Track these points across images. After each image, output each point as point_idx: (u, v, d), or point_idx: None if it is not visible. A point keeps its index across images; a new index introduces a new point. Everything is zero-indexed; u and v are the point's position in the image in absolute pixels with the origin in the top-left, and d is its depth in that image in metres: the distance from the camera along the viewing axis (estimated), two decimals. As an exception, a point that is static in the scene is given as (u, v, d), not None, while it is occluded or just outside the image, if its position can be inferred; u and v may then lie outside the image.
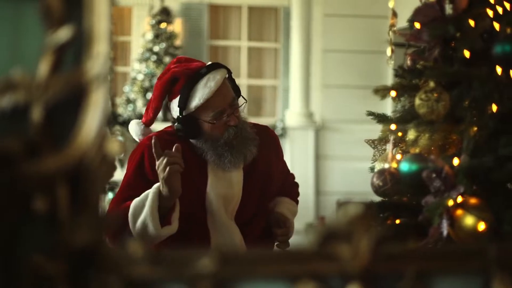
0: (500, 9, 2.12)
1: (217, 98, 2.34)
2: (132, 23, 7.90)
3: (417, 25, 2.17)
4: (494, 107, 2.04)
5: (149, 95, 7.10)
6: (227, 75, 2.42)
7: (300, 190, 2.80)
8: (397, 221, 2.17)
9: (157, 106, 2.42)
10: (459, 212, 1.90)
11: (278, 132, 7.12)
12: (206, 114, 2.35)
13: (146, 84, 7.34)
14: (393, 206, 2.18)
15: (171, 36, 7.53)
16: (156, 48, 7.44)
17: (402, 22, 2.39)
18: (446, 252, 1.19)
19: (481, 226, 1.88)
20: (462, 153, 2.01)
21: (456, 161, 1.99)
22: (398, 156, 2.20)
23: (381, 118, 2.33)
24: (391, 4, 2.39)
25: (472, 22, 2.09)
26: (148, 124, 2.44)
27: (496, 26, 2.11)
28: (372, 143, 2.38)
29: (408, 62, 2.29)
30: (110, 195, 4.39)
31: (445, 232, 1.89)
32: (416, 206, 2.06)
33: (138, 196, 2.25)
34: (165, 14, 7.52)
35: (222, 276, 1.08)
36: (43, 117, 1.04)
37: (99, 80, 1.04)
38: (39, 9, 1.05)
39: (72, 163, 1.04)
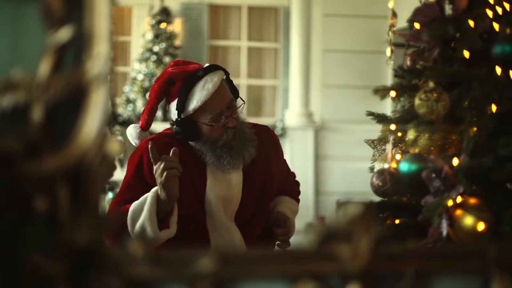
0: (499, 10, 2.12)
1: (215, 100, 2.34)
2: (132, 23, 7.90)
3: (417, 25, 2.17)
4: (494, 108, 2.04)
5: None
6: (224, 77, 2.42)
7: (300, 190, 2.80)
8: (397, 221, 2.17)
9: (153, 108, 2.42)
10: (458, 212, 1.90)
11: (277, 132, 7.12)
12: (204, 117, 2.35)
13: (146, 84, 7.34)
14: (393, 206, 2.19)
15: (171, 36, 7.53)
16: (156, 48, 7.44)
17: (401, 22, 2.39)
18: (445, 252, 1.20)
19: (481, 226, 1.88)
20: (461, 153, 2.01)
21: (455, 161, 1.99)
22: (398, 156, 2.20)
23: (381, 118, 2.33)
24: (390, 4, 2.39)
25: (471, 23, 2.09)
26: (145, 127, 2.44)
27: (496, 26, 2.11)
28: (372, 143, 2.38)
29: (408, 62, 2.30)
30: (110, 195, 4.39)
31: (444, 232, 1.89)
32: (415, 206, 2.06)
33: (138, 198, 2.26)
34: (165, 14, 7.52)
35: (222, 276, 1.09)
36: (43, 117, 1.04)
37: (99, 80, 1.04)
38: (40, 9, 1.05)
39: (72, 163, 1.04)
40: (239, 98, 2.47)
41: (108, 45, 1.05)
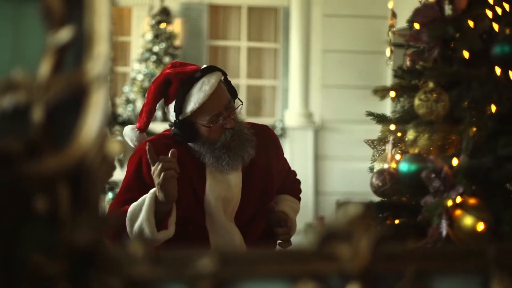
0: (499, 10, 2.13)
1: (213, 102, 2.35)
2: (132, 23, 7.90)
3: (417, 25, 2.18)
4: (493, 108, 2.04)
5: (149, 95, 7.07)
6: (222, 78, 2.42)
7: (301, 188, 2.79)
8: (396, 221, 2.17)
9: (151, 109, 2.42)
10: (458, 212, 1.91)
11: (277, 132, 7.12)
12: (202, 118, 2.35)
13: (146, 84, 7.33)
14: (392, 206, 2.19)
15: (170, 36, 7.53)
16: (155, 48, 7.44)
17: (401, 23, 2.40)
18: (445, 252, 1.20)
19: (480, 226, 1.88)
20: (461, 154, 2.01)
21: (455, 162, 1.99)
22: (397, 156, 2.20)
23: (381, 119, 2.33)
24: (390, 5, 2.39)
25: (471, 23, 2.09)
26: (142, 129, 2.44)
27: (495, 27, 2.11)
28: (372, 143, 2.38)
29: (408, 62, 2.30)
30: (110, 195, 4.39)
31: (444, 232, 1.89)
32: (415, 206, 2.06)
33: (138, 198, 2.26)
34: (164, 14, 7.51)
35: (222, 276, 1.09)
36: (44, 117, 1.04)
37: (99, 80, 1.04)
38: (40, 9, 1.05)
39: (72, 163, 1.04)
40: (237, 98, 2.47)
41: (108, 46, 1.05)
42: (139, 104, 7.30)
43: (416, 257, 1.15)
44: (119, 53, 7.79)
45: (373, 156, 2.38)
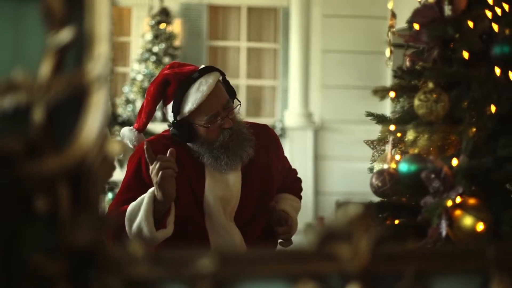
0: (498, 11, 2.13)
1: (210, 102, 2.35)
2: (132, 23, 7.89)
3: (416, 26, 2.18)
4: (493, 108, 2.04)
5: (148, 96, 7.06)
6: (221, 78, 2.42)
7: (302, 187, 2.79)
8: (396, 222, 2.18)
9: (150, 110, 2.43)
10: (458, 212, 1.91)
11: (277, 132, 7.10)
12: (200, 118, 2.36)
13: (146, 84, 7.33)
14: (392, 207, 2.19)
15: (170, 37, 7.53)
16: (155, 49, 7.44)
17: (401, 23, 2.40)
18: (445, 253, 1.20)
19: (480, 227, 1.89)
20: (461, 154, 2.01)
21: (455, 162, 1.99)
22: (397, 157, 2.20)
23: (380, 119, 2.33)
24: (390, 5, 2.39)
25: (471, 23, 2.09)
26: (141, 129, 2.45)
27: (495, 27, 2.11)
28: (371, 143, 2.39)
29: (407, 63, 2.30)
30: (109, 195, 4.39)
31: (444, 233, 1.90)
32: (415, 206, 2.06)
33: (137, 198, 2.27)
34: (164, 15, 7.51)
35: (222, 276, 1.09)
36: (44, 117, 1.04)
37: (100, 81, 1.04)
38: (40, 10, 1.05)
39: (73, 163, 1.04)
40: (236, 98, 2.47)
41: (108, 46, 1.05)
42: (139, 105, 7.29)
43: (416, 257, 1.15)
44: (118, 53, 7.79)
45: (373, 156, 2.38)
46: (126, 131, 2.47)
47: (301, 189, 2.74)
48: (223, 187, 2.41)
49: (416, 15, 2.17)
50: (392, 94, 2.24)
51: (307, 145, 7.45)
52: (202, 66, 2.44)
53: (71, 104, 1.05)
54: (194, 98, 2.33)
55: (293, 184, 2.70)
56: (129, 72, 7.69)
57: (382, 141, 2.34)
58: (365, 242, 1.09)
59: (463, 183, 1.92)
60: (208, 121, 2.35)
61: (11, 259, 1.05)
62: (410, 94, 2.20)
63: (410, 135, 2.12)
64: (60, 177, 1.04)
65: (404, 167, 2.04)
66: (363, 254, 1.09)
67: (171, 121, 2.40)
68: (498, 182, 2.02)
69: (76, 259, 1.06)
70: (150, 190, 2.24)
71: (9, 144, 1.02)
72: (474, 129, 2.03)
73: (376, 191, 2.13)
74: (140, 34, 7.69)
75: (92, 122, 1.04)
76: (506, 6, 2.13)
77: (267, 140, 2.55)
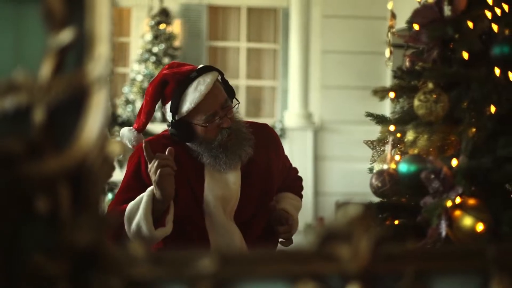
0: (498, 11, 2.13)
1: (208, 101, 2.35)
2: (131, 24, 7.89)
3: (416, 26, 2.18)
4: (493, 108, 2.04)
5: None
6: (219, 77, 2.43)
7: (303, 185, 2.79)
8: (396, 222, 2.18)
9: (150, 110, 2.43)
10: (457, 213, 1.91)
11: (277, 133, 7.11)
12: (199, 118, 2.36)
13: (145, 85, 7.33)
14: (392, 207, 2.19)
15: (170, 37, 7.53)
16: (155, 49, 7.44)
17: (400, 24, 2.40)
18: (445, 253, 1.20)
19: (480, 227, 1.89)
20: (460, 154, 2.01)
21: (454, 162, 1.99)
22: (397, 157, 2.20)
23: (380, 119, 2.33)
24: (389, 6, 2.39)
25: (470, 24, 2.09)
26: (140, 129, 2.45)
27: (495, 27, 2.11)
28: (371, 144, 2.39)
29: (407, 63, 2.30)
30: (109, 196, 4.39)
31: (443, 233, 1.90)
32: (414, 207, 2.06)
33: (136, 198, 2.27)
34: (164, 15, 7.51)
35: (222, 276, 1.09)
36: (45, 118, 1.05)
37: (100, 82, 1.04)
38: (41, 11, 1.05)
39: (73, 164, 1.04)
40: (234, 98, 2.47)
41: (109, 47, 1.06)
42: (139, 105, 7.29)
43: (416, 258, 1.15)
44: (118, 54, 7.79)
45: (372, 156, 2.38)
46: (125, 131, 2.47)
47: (302, 188, 2.74)
48: (222, 187, 2.41)
49: (416, 16, 2.17)
50: (391, 94, 2.24)
51: (307, 146, 7.45)
52: (201, 65, 2.44)
53: (71, 104, 1.05)
54: (192, 97, 2.34)
55: (293, 183, 2.70)
56: (129, 73, 7.68)
57: (381, 141, 2.34)
58: (365, 243, 1.09)
59: (463, 184, 1.92)
60: (206, 121, 2.35)
61: (12, 259, 1.06)
62: (409, 94, 2.20)
63: (410, 136, 2.13)
64: (61, 178, 1.04)
65: (403, 167, 2.04)
66: (363, 254, 1.10)
67: (169, 121, 2.41)
68: (498, 183, 2.02)
69: (76, 260, 1.06)
70: (149, 189, 2.24)
71: (10, 144, 1.02)
72: (473, 130, 2.03)
73: (376, 191, 2.14)
74: (140, 35, 7.69)
75: (93, 123, 1.04)
76: (505, 7, 2.13)
77: (267, 139, 2.55)
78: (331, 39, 7.53)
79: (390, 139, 2.23)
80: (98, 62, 1.05)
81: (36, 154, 1.03)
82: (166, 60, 7.33)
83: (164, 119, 6.61)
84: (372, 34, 7.17)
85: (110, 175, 1.12)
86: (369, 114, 2.35)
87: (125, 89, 7.50)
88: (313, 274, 1.11)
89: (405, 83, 2.25)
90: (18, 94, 1.03)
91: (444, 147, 2.08)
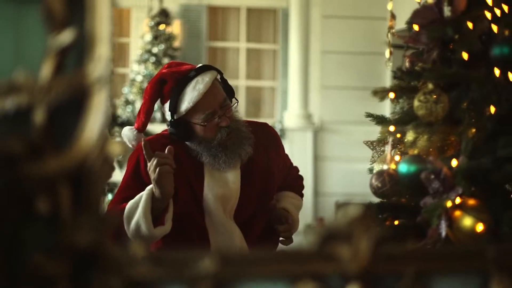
0: (498, 12, 2.13)
1: (207, 100, 2.35)
2: (131, 24, 7.89)
3: (416, 27, 2.18)
4: (492, 109, 2.04)
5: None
6: (218, 76, 2.43)
7: (304, 184, 2.78)
8: (396, 222, 2.18)
9: (148, 108, 2.43)
10: (457, 213, 1.91)
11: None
12: (197, 117, 2.36)
13: (145, 85, 7.32)
14: (392, 207, 2.19)
15: (170, 38, 7.53)
16: (155, 50, 7.44)
17: (400, 24, 2.40)
18: (444, 253, 1.20)
19: (480, 227, 1.89)
20: (460, 155, 2.01)
21: (454, 163, 2.00)
22: (397, 158, 2.21)
23: (380, 120, 2.33)
24: (389, 6, 2.39)
25: (470, 24, 2.09)
26: (141, 129, 2.45)
27: (494, 28, 2.12)
28: (371, 144, 2.39)
29: (407, 64, 2.30)
30: (109, 196, 4.39)
31: (443, 233, 1.90)
32: (414, 207, 2.06)
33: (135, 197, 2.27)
34: (163, 16, 7.51)
35: (222, 277, 1.09)
36: (45, 119, 1.05)
37: (101, 82, 1.04)
38: (41, 11, 1.06)
39: (74, 164, 1.04)
40: (234, 98, 2.47)
41: (109, 48, 1.06)
42: (138, 105, 7.29)
43: (416, 258, 1.15)
44: (118, 54, 7.79)
45: (372, 157, 2.38)
46: (126, 130, 2.47)
47: (302, 187, 2.74)
48: (222, 185, 2.41)
49: (416, 16, 2.17)
50: (391, 95, 2.24)
51: (307, 146, 7.45)
52: (200, 64, 2.44)
53: (72, 105, 1.06)
54: (190, 96, 2.34)
55: (294, 182, 2.70)
56: (129, 73, 7.69)
57: (381, 142, 2.35)
58: (365, 243, 1.10)
59: (463, 184, 1.92)
60: (205, 119, 2.35)
61: (12, 259, 1.06)
62: (409, 95, 2.20)
63: (410, 136, 2.13)
64: (61, 178, 1.04)
65: (403, 168, 2.04)
66: (363, 254, 1.10)
67: (168, 120, 2.41)
68: (498, 183, 2.02)
69: (76, 260, 1.06)
70: (148, 187, 2.24)
71: (10, 145, 1.02)
72: (473, 130, 2.03)
73: (376, 192, 2.14)
74: (139, 35, 7.69)
75: (93, 124, 1.05)
76: (505, 7, 2.13)
77: (267, 138, 2.55)
78: (331, 40, 7.53)
79: (390, 139, 2.23)
80: (99, 63, 1.05)
81: (37, 154, 1.04)
82: (165, 61, 7.33)
83: (163, 120, 6.60)
84: (372, 35, 7.17)
85: (109, 176, 1.12)
86: (369, 115, 2.36)
87: (125, 89, 7.50)
88: (313, 274, 1.11)
89: (405, 84, 2.25)
90: (19, 95, 1.03)
91: (444, 147, 2.08)
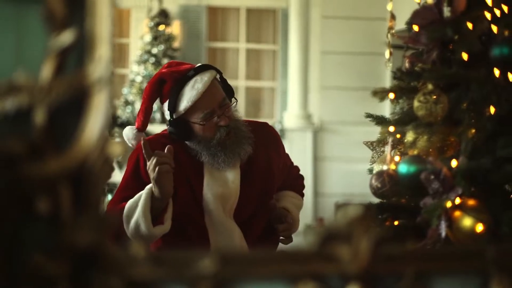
0: (498, 12, 2.13)
1: (206, 99, 2.35)
2: (131, 25, 7.89)
3: (416, 27, 2.18)
4: (492, 109, 2.05)
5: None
6: (217, 76, 2.43)
7: (304, 184, 2.78)
8: (396, 223, 2.18)
9: (147, 108, 2.43)
10: (457, 213, 1.91)
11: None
12: (196, 116, 2.36)
13: (145, 86, 7.33)
14: (392, 208, 2.19)
15: (169, 38, 7.53)
16: (154, 50, 7.44)
17: (400, 25, 2.40)
18: (444, 253, 1.20)
19: (479, 228, 1.89)
20: (460, 155, 2.01)
21: (454, 163, 2.00)
22: (397, 158, 2.21)
23: (380, 120, 2.33)
24: (389, 7, 2.40)
25: (470, 25, 2.10)
26: (141, 128, 2.45)
27: (494, 28, 2.12)
28: (371, 145, 2.39)
29: (407, 64, 2.30)
30: (109, 197, 4.39)
31: (443, 234, 1.90)
32: (414, 207, 2.06)
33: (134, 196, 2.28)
34: (163, 16, 7.51)
35: (223, 277, 1.09)
36: (46, 119, 1.05)
37: (101, 83, 1.05)
38: (42, 12, 1.06)
39: (74, 165, 1.04)
40: (233, 97, 2.47)
41: (109, 48, 1.06)
42: (138, 106, 7.29)
43: (416, 258, 1.15)
44: (118, 55, 7.79)
45: (372, 157, 2.38)
46: (126, 130, 2.48)
47: (303, 186, 2.74)
48: (221, 185, 2.41)
49: (416, 17, 2.18)
50: (391, 95, 2.24)
51: (307, 147, 7.45)
52: (199, 64, 2.45)
53: (72, 106, 1.06)
54: (189, 95, 2.34)
55: (295, 181, 2.70)
56: (128, 74, 7.68)
57: (381, 142, 2.35)
58: (365, 243, 1.10)
59: (463, 184, 1.92)
60: (204, 119, 2.35)
61: (12, 259, 1.06)
62: (409, 95, 2.20)
63: (410, 136, 2.13)
64: (61, 178, 1.05)
65: (403, 168, 2.04)
66: (363, 255, 1.10)
67: (168, 119, 2.41)
68: (497, 183, 2.02)
69: (76, 260, 1.06)
70: (148, 186, 2.25)
71: (11, 145, 1.02)
72: (473, 130, 2.03)
73: (376, 192, 2.14)
74: (139, 36, 7.69)
75: (93, 124, 1.05)
76: (505, 8, 2.14)
77: (267, 137, 2.55)
78: (331, 40, 7.53)
79: (390, 140, 2.23)
80: (99, 63, 1.05)
81: (37, 155, 1.04)
82: (165, 61, 7.33)
83: (163, 120, 6.62)
84: (372, 35, 7.17)
85: (109, 176, 1.12)
86: (368, 115, 2.36)
87: (125, 90, 7.50)
88: (313, 275, 1.11)
89: (405, 84, 2.25)
90: (19, 95, 1.03)
91: (444, 148, 2.08)
